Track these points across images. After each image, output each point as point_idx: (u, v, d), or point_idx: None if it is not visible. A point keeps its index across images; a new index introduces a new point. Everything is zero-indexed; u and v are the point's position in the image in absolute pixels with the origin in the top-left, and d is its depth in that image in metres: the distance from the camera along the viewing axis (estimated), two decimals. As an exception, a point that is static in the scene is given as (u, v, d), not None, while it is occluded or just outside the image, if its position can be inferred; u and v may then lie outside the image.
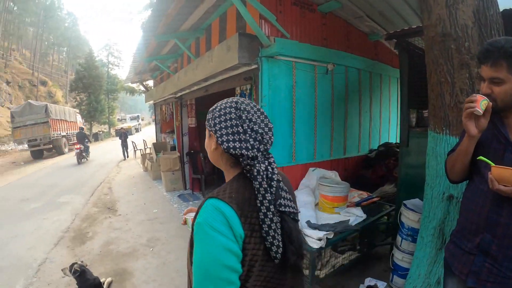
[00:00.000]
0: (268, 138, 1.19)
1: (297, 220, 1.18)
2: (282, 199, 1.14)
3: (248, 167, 1.13)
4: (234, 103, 1.21)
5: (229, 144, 1.13)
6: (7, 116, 20.38)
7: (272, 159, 1.20)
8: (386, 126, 6.51)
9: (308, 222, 3.41)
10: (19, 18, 48.93)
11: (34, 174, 13.97)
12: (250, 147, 1.13)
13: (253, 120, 1.17)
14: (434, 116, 2.63)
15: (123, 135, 17.53)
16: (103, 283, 3.97)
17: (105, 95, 40.82)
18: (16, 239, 5.94)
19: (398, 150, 4.39)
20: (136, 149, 17.25)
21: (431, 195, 2.67)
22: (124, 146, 17.35)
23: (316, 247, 3.08)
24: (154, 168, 10.07)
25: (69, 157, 18.82)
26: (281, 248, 1.08)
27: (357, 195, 4.33)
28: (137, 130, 41.06)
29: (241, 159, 1.14)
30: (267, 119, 1.22)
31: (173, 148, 10.05)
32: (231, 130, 1.15)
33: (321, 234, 3.14)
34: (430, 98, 2.66)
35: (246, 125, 1.15)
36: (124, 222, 6.39)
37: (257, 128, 1.16)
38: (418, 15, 4.35)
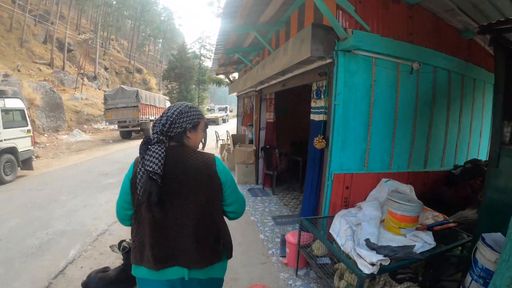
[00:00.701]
0: (158, 127, 1.99)
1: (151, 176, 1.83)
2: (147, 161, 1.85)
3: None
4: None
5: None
6: (102, 98, 22.76)
7: (157, 144, 1.91)
8: (477, 140, 5.83)
9: (367, 241, 3.16)
10: (118, 11, 54.71)
11: (118, 153, 15.71)
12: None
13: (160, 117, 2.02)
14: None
15: None
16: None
17: (196, 85, 43.48)
18: (86, 208, 6.88)
19: (487, 169, 3.86)
20: (218, 138, 17.81)
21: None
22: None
23: (367, 272, 2.81)
24: (230, 159, 10.40)
25: None
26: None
27: (431, 216, 3.88)
28: (224, 121, 42.31)
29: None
30: (167, 118, 1.99)
31: (251, 142, 10.29)
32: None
33: (375, 258, 2.86)
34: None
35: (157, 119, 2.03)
36: None
37: (157, 123, 2.00)
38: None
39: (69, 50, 38.27)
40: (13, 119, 10.07)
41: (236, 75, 14.65)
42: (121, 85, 24.39)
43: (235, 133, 13.65)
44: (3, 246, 5.12)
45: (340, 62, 3.98)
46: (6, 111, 9.75)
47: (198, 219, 1.91)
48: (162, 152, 1.87)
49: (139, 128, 21.72)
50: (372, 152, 4.36)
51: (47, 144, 17.78)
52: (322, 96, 4.63)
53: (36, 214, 6.56)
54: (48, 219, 6.24)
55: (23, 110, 10.62)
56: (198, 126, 2.07)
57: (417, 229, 3.47)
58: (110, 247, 3.92)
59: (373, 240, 3.18)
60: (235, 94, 12.81)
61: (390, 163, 4.53)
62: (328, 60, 4.12)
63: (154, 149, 1.87)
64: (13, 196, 7.98)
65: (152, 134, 1.97)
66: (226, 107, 48.97)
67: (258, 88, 8.11)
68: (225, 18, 5.84)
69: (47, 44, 36.63)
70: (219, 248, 2.05)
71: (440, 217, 3.84)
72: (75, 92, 30.04)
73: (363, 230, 3.34)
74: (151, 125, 2.08)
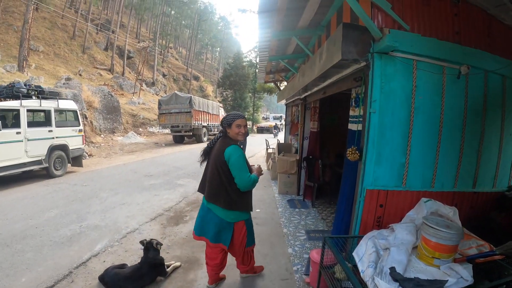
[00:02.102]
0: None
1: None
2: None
3: None
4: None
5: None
6: (158, 103, 23.54)
7: (219, 133, 3.75)
8: (537, 158, 5.03)
9: (392, 269, 2.73)
10: (176, 21, 58.17)
11: (168, 156, 16.19)
12: None
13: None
14: None
15: None
16: (169, 266, 4.38)
17: (251, 93, 43.79)
18: (123, 206, 7.15)
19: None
20: (268, 147, 17.60)
21: None
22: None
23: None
24: (274, 168, 10.27)
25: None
26: None
27: (475, 245, 3.23)
28: (278, 130, 41.87)
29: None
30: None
31: (296, 151, 10.03)
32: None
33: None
34: None
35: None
36: None
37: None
38: None
39: (129, 57, 40.56)
40: (65, 119, 10.89)
41: (285, 84, 14.51)
42: (175, 91, 25.12)
43: (283, 142, 13.50)
44: (38, 233, 5.60)
45: (375, 65, 3.67)
46: (59, 111, 10.58)
47: (211, 175, 3.57)
48: (216, 138, 3.71)
49: (191, 133, 22.37)
50: (412, 167, 3.96)
51: (102, 144, 18.76)
52: (361, 104, 4.35)
53: (75, 207, 7.01)
54: (85, 213, 6.62)
55: (76, 111, 11.35)
56: (231, 125, 3.56)
57: (455, 260, 2.93)
58: (140, 242, 4.29)
59: (399, 269, 2.76)
60: (283, 102, 12.64)
61: (432, 181, 4.05)
62: (363, 64, 3.83)
63: (216, 137, 3.74)
64: (59, 189, 8.61)
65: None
66: (281, 116, 48.65)
67: (303, 95, 7.87)
68: (262, 21, 5.71)
69: (108, 51, 39.22)
70: (219, 197, 3.53)
71: (486, 246, 3.23)
72: (133, 97, 31.44)
73: (391, 257, 2.95)
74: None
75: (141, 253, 4.23)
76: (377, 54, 3.63)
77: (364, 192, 3.86)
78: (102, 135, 20.54)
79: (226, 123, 3.57)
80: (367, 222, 3.95)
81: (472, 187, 4.26)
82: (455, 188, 4.13)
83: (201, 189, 3.85)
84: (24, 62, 23.36)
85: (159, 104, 22.60)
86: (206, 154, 3.75)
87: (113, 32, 39.42)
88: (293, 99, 9.74)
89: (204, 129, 24.29)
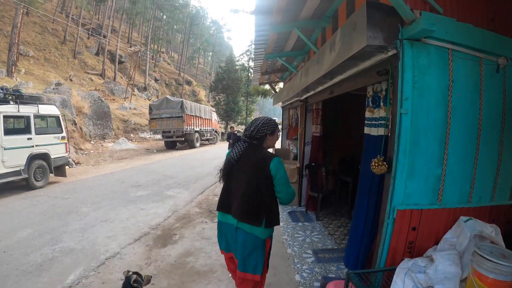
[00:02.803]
0: (248, 131, 3.02)
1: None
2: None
3: None
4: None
5: None
6: (149, 108, 22.74)
7: (243, 142, 3.02)
8: None
9: None
10: (167, 25, 57.73)
11: (158, 163, 15.38)
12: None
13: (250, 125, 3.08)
14: None
15: (232, 137, 14.58)
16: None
17: (244, 97, 43.60)
18: (104, 223, 6.31)
19: None
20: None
21: None
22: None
23: None
24: None
25: (199, 151, 21.00)
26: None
27: None
28: None
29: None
30: (255, 127, 3.04)
31: (295, 157, 9.21)
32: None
33: None
34: None
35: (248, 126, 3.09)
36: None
37: (247, 127, 3.05)
38: None
39: (120, 62, 40.09)
40: (47, 125, 10.03)
41: (281, 85, 13.70)
42: (167, 96, 24.33)
43: (280, 147, 12.66)
44: (5, 259, 4.76)
45: (406, 55, 2.89)
46: (40, 117, 9.74)
47: (245, 193, 2.87)
48: (243, 148, 2.95)
49: (183, 138, 21.77)
50: (448, 179, 3.18)
51: (91, 151, 18.04)
52: (382, 104, 3.55)
53: (52, 225, 6.18)
54: (61, 233, 5.77)
55: (58, 117, 10.52)
56: (275, 132, 3.13)
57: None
58: (123, 273, 3.28)
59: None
60: (279, 105, 11.81)
61: (470, 194, 3.29)
62: (391, 53, 3.01)
63: (240, 144, 2.99)
64: (38, 203, 7.78)
65: (243, 136, 3.06)
66: (275, 119, 47.78)
67: (303, 97, 7.06)
68: (259, 11, 4.90)
69: (99, 56, 38.73)
70: (260, 217, 2.86)
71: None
72: (124, 102, 30.81)
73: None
74: (243, 130, 3.07)
75: (120, 285, 3.33)
76: (407, 41, 2.87)
77: (394, 212, 3.07)
78: (92, 141, 19.92)
79: (269, 129, 3.04)
80: (396, 249, 3.15)
81: (510, 198, 3.52)
82: (493, 201, 3.41)
83: (223, 207, 3.04)
84: (13, 67, 22.70)
85: (150, 109, 21.90)
86: (231, 167, 2.99)
87: (104, 36, 38.78)
88: (291, 101, 8.91)
89: (197, 134, 23.60)
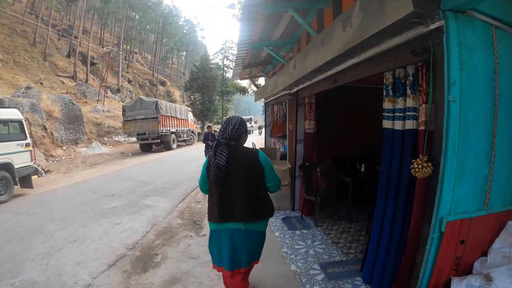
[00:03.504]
0: (226, 133, 2.90)
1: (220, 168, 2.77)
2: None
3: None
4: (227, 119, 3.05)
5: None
6: (122, 110, 21.73)
7: (223, 145, 2.84)
8: None
9: None
10: (140, 25, 56.18)
11: (134, 167, 14.31)
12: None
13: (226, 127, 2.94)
14: None
15: (210, 137, 12.12)
16: None
17: (219, 96, 42.77)
18: (73, 245, 5.26)
19: None
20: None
21: None
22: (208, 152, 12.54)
23: None
24: None
25: (176, 153, 20.06)
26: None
27: None
28: (249, 132, 41.07)
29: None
30: (233, 126, 2.93)
31: (283, 157, 8.52)
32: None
33: None
34: None
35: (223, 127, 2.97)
36: (206, 248, 4.09)
37: (223, 129, 2.95)
38: None
39: (93, 64, 38.92)
40: (8, 131, 8.80)
41: (262, 81, 12.97)
42: (140, 96, 23.28)
43: (263, 145, 11.90)
44: None
45: (451, 29, 2.27)
46: (1, 122, 8.60)
47: (246, 192, 2.85)
48: (226, 151, 2.81)
49: (159, 140, 20.76)
50: (495, 179, 2.62)
51: (63, 157, 16.90)
52: (409, 91, 2.89)
53: (13, 250, 5.12)
54: (23, 260, 4.71)
55: (21, 121, 9.33)
56: (247, 131, 3.13)
57: None
58: None
59: None
60: (261, 101, 11.06)
61: (513, 194, 2.81)
62: (434, 25, 2.35)
63: (222, 148, 2.82)
64: None
65: (221, 139, 2.89)
66: (251, 118, 48.59)
67: (294, 89, 6.35)
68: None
69: (70, 57, 37.15)
70: (263, 210, 3.00)
71: None
72: (97, 104, 29.62)
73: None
74: (218, 133, 3.11)
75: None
76: (451, 12, 2.27)
77: (442, 225, 2.45)
78: (64, 147, 18.68)
79: (244, 128, 3.04)
80: (442, 268, 2.58)
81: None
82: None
83: (224, 216, 2.87)
84: (-20, 71, 21.03)
85: (123, 110, 20.75)
86: (224, 174, 2.81)
87: (75, 37, 37.04)
88: (276, 96, 8.19)
89: (173, 136, 22.58)
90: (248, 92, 20.79)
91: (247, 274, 3.17)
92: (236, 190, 2.83)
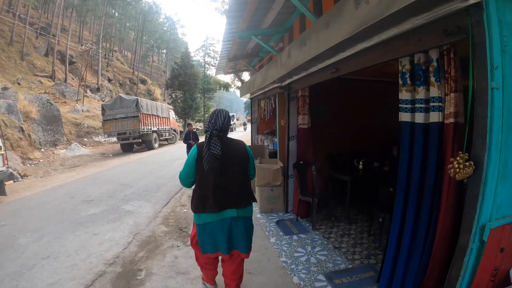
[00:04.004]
0: (217, 125, 2.92)
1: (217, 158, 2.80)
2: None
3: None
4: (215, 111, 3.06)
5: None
6: (103, 109, 20.91)
7: (216, 136, 2.87)
8: None
9: None
10: (120, 22, 54.58)
11: (114, 169, 13.57)
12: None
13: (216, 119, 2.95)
14: None
15: (192, 136, 11.02)
16: None
17: (201, 93, 41.93)
18: (46, 263, 4.58)
19: None
20: None
21: None
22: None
23: None
24: None
25: (158, 153, 19.28)
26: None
27: None
28: (231, 130, 40.49)
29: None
30: (224, 118, 2.97)
31: (272, 155, 8.07)
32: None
33: None
34: None
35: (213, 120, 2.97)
36: (194, 260, 3.68)
37: (213, 121, 2.94)
38: None
39: (72, 62, 37.86)
40: None
41: (247, 76, 12.49)
42: (120, 94, 22.50)
43: (249, 142, 11.40)
44: None
45: (490, 5, 1.91)
46: None
47: (241, 180, 3.02)
48: (219, 142, 2.85)
49: (140, 140, 19.99)
50: None
51: (41, 160, 16.01)
52: (432, 79, 2.49)
53: None
54: None
55: None
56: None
57: None
58: None
59: None
60: (247, 97, 10.56)
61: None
62: (472, 0, 1.93)
63: (215, 139, 2.85)
64: None
65: (213, 130, 2.90)
66: (233, 115, 48.37)
67: (286, 82, 5.88)
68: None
69: (48, 56, 35.97)
70: (250, 196, 3.14)
71: None
72: (76, 104, 28.77)
73: None
74: (207, 125, 3.02)
75: None
76: None
77: (484, 232, 2.08)
78: (42, 149, 17.86)
79: (231, 121, 2.39)
80: (481, 280, 2.23)
81: None
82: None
83: (222, 205, 2.94)
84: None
85: (103, 109, 19.84)
86: (220, 164, 2.88)
87: (53, 36, 35.86)
88: (264, 90, 7.74)
89: (155, 135, 21.81)
90: (231, 87, 20.23)
91: (243, 262, 3.38)
92: (232, 178, 2.95)
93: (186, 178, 3.06)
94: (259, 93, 8.48)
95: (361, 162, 6.17)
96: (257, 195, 6.65)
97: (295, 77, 5.40)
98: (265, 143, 9.07)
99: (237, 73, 11.94)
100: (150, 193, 8.70)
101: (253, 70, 9.54)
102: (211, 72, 44.80)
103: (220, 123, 2.93)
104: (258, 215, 6.33)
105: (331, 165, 6.81)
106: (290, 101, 6.10)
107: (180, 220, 6.32)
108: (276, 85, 6.28)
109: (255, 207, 6.69)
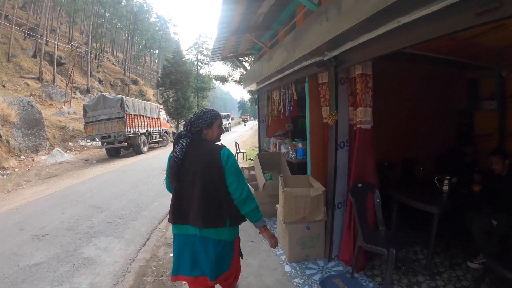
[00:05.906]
0: (187, 126, 2.42)
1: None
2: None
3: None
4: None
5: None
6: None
7: (184, 138, 2.37)
8: None
9: None
10: (110, 23, 53.34)
11: (92, 180, 11.03)
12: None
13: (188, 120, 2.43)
14: None
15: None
16: None
17: (194, 93, 39.97)
18: None
19: None
20: (238, 151, 14.04)
21: None
22: None
23: None
24: (261, 198, 5.24)
25: (147, 158, 16.79)
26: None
27: None
28: (226, 130, 39.17)
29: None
30: (189, 120, 2.42)
31: (300, 166, 5.54)
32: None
33: None
34: None
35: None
36: None
37: (186, 124, 2.43)
38: None
39: (60, 63, 35.78)
40: None
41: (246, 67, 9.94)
42: (103, 93, 19.94)
43: (249, 143, 8.79)
44: None
45: None
46: None
47: (203, 192, 2.27)
48: (186, 144, 2.33)
49: (127, 144, 17.44)
50: None
51: (16, 170, 13.62)
52: None
53: None
54: None
55: None
56: (212, 125, 2.42)
57: None
58: None
59: None
60: (252, 87, 7.95)
61: None
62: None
63: (181, 141, 2.36)
64: None
65: (183, 131, 2.43)
66: (228, 114, 46.82)
67: (333, 53, 3.41)
68: None
69: (36, 58, 33.94)
70: (223, 215, 2.31)
71: None
72: (63, 106, 26.68)
73: None
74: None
75: None
76: None
77: None
78: (22, 156, 15.61)
79: (204, 123, 2.41)
80: None
81: None
82: None
83: (180, 217, 2.38)
84: None
85: (84, 110, 17.06)
86: (179, 169, 2.33)
87: (41, 36, 33.59)
88: (282, 74, 5.24)
89: (143, 137, 19.02)
90: (228, 81, 17.64)
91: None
92: (192, 189, 2.34)
93: (168, 183, 2.56)
94: (272, 79, 5.91)
95: (445, 181, 3.75)
96: (282, 236, 4.19)
97: (352, 43, 2.93)
98: (283, 150, 6.39)
99: (237, 58, 9.34)
100: (125, 220, 6.16)
101: (264, 46, 6.62)
102: (205, 70, 42.99)
103: (187, 125, 2.44)
104: (288, 268, 3.80)
105: (393, 186, 4.34)
106: (338, 85, 3.59)
107: (164, 276, 3.83)
108: (311, 60, 3.77)
109: (281, 255, 4.19)
